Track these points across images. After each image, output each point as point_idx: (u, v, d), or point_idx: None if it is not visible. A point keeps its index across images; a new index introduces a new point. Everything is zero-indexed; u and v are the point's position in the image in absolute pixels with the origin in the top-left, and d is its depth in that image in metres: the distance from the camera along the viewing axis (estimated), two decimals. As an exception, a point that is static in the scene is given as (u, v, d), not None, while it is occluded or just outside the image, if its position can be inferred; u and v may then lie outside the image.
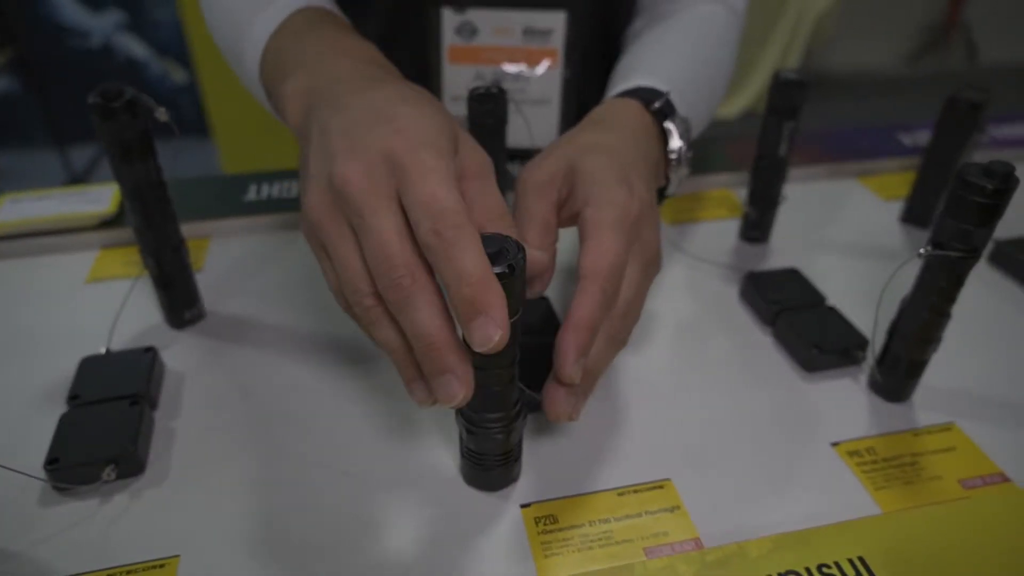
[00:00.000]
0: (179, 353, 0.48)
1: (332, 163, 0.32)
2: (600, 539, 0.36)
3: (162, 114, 0.44)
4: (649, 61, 0.53)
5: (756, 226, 0.59)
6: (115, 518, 0.37)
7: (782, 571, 0.34)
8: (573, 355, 0.34)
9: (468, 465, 0.39)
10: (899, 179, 0.69)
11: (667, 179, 0.45)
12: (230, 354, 0.48)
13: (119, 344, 0.48)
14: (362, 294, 0.32)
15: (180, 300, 0.49)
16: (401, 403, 0.44)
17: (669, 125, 0.45)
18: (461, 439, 0.38)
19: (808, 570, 0.34)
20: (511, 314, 0.31)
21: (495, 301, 0.29)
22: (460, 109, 0.65)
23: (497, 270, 0.30)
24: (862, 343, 0.47)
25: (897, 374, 0.44)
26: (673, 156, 0.44)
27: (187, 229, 0.59)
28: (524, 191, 0.39)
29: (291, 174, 0.67)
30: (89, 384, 0.43)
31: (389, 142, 0.31)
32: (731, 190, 0.68)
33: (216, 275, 0.56)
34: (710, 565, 0.34)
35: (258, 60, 0.46)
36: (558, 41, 0.62)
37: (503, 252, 0.30)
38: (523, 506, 0.38)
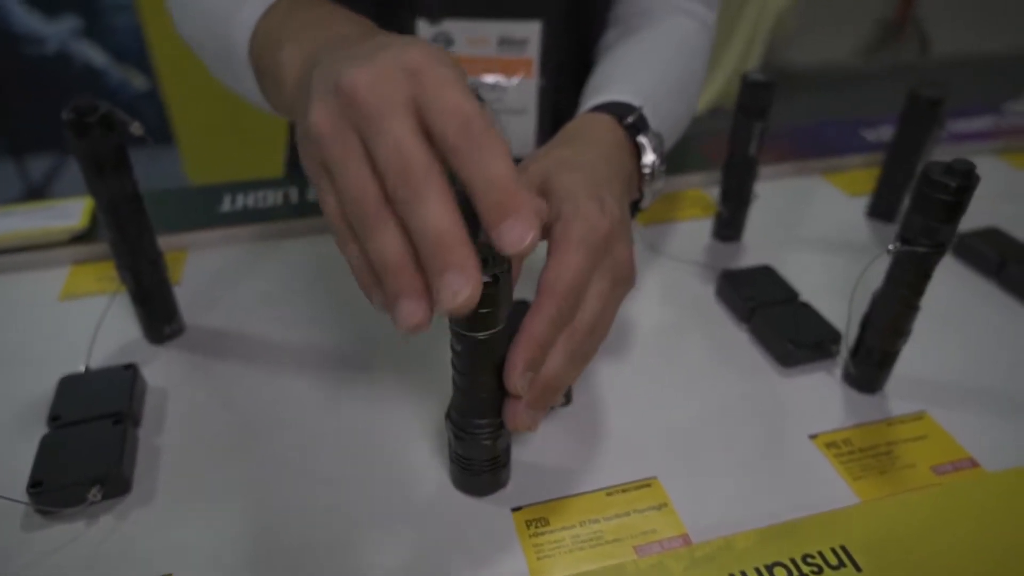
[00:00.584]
0: (160, 369, 0.48)
1: (339, 75, 0.29)
2: (591, 539, 0.37)
3: (137, 128, 0.43)
4: (622, 75, 0.53)
5: (729, 224, 0.60)
6: (102, 540, 0.37)
7: (768, 563, 0.35)
8: (520, 368, 0.33)
9: (457, 470, 0.39)
10: (864, 175, 0.71)
11: (640, 193, 0.46)
12: (212, 368, 0.48)
13: (98, 362, 0.48)
14: (368, 196, 0.29)
15: (159, 315, 0.49)
16: (389, 412, 0.44)
17: (642, 140, 0.45)
18: (450, 444, 0.38)
19: (793, 561, 0.35)
20: (496, 323, 0.32)
21: (525, 202, 0.28)
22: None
23: (484, 278, 0.30)
24: (835, 337, 0.48)
25: (870, 366, 0.45)
26: (647, 171, 0.45)
27: (163, 242, 0.58)
28: None
29: (265, 183, 0.67)
30: (69, 404, 0.42)
31: (405, 55, 0.29)
32: (704, 190, 0.69)
33: (194, 288, 0.55)
34: (699, 561, 0.35)
35: (247, 42, 0.44)
36: (533, 51, 0.62)
37: (487, 261, 0.31)
38: (514, 509, 0.39)
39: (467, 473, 0.38)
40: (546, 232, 0.38)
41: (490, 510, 0.39)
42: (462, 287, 0.28)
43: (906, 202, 0.63)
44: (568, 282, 0.34)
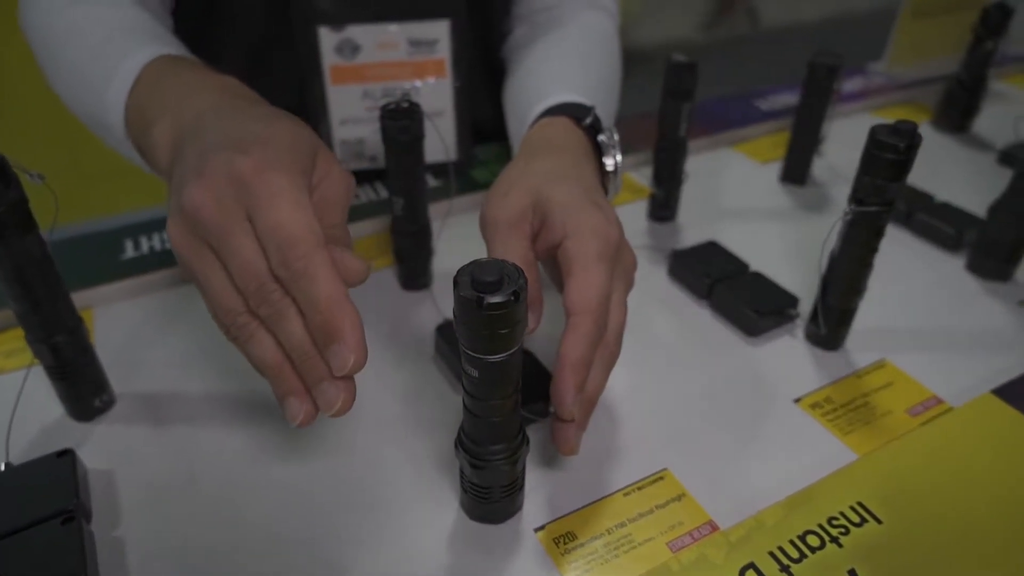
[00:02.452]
0: (98, 449, 0.41)
1: (183, 190, 0.31)
2: (623, 544, 0.36)
3: (35, 178, 0.37)
4: (560, 75, 0.54)
5: (665, 205, 0.61)
6: (83, 661, 0.32)
7: (800, 533, 0.36)
8: (572, 395, 0.34)
9: (472, 500, 0.37)
10: (769, 142, 0.75)
11: (605, 190, 0.46)
12: (158, 437, 0.42)
13: (19, 453, 0.41)
14: (235, 313, 0.32)
15: (86, 387, 0.42)
16: (375, 451, 0.41)
17: (603, 139, 0.46)
18: (463, 474, 0.36)
19: (821, 526, 0.36)
20: (513, 343, 0.30)
21: (346, 326, 0.30)
22: (351, 132, 0.62)
23: (500, 298, 0.28)
24: (793, 301, 0.50)
25: (831, 324, 0.47)
26: (610, 169, 0.46)
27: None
28: (496, 230, 0.38)
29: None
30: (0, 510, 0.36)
31: (236, 164, 0.31)
32: (630, 173, 0.70)
33: (113, 350, 0.49)
34: (736, 544, 0.35)
35: (122, 122, 0.44)
36: (444, 51, 0.60)
37: (504, 279, 0.29)
38: (537, 529, 0.37)
39: (484, 502, 0.36)
40: (551, 250, 0.38)
41: (513, 535, 0.37)
42: (334, 397, 0.31)
43: (815, 164, 0.67)
44: (598, 299, 0.34)
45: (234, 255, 0.30)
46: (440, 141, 0.62)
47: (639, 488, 0.39)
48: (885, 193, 0.41)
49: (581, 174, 0.42)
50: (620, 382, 0.46)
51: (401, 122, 0.46)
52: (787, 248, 0.58)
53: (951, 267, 0.57)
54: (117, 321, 0.51)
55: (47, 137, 1.58)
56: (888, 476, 0.39)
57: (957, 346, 0.49)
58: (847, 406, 0.44)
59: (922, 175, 0.65)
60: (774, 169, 0.70)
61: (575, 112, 0.47)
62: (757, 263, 0.54)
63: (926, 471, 0.39)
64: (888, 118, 0.79)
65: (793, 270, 0.55)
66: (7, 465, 0.39)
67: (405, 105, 0.46)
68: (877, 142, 0.40)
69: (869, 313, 0.51)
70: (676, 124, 0.56)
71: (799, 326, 0.50)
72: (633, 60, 0.55)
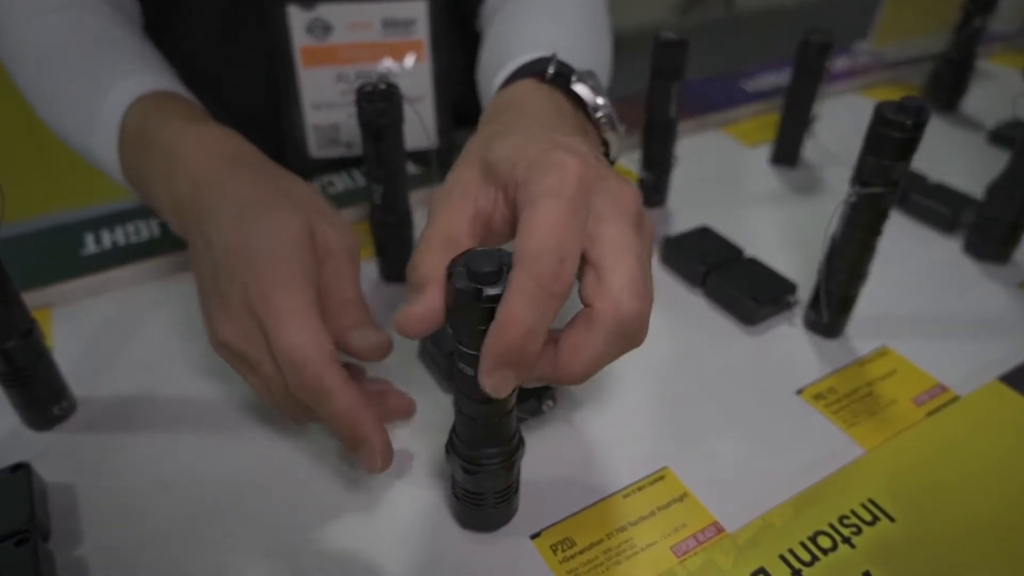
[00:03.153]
0: (56, 461, 0.38)
1: (214, 324, 0.35)
2: (625, 550, 0.34)
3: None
4: (528, 35, 0.49)
5: (655, 190, 0.59)
6: None
7: (810, 534, 0.34)
8: (489, 362, 0.26)
9: (464, 507, 0.34)
10: (755, 123, 0.73)
11: (605, 143, 0.40)
12: (122, 446, 0.39)
13: (-32, 469, 0.38)
14: (281, 408, 0.37)
15: (43, 395, 0.39)
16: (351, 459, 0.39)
17: (577, 87, 0.38)
18: (455, 481, 0.34)
19: (832, 526, 0.34)
20: None
21: (368, 433, 0.33)
22: (325, 118, 0.59)
23: (499, 290, 0.26)
24: (791, 287, 0.48)
25: (832, 310, 0.46)
26: (599, 114, 0.38)
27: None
28: (434, 206, 0.31)
29: (134, 213, 0.57)
30: (-52, 533, 0.33)
31: (246, 294, 0.34)
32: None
33: (72, 353, 0.45)
34: (744, 547, 0.33)
35: (119, 169, 0.45)
36: (422, 31, 0.57)
37: (503, 269, 0.26)
38: (533, 536, 0.35)
39: (477, 509, 0.34)
40: (508, 210, 0.31)
41: (507, 544, 0.35)
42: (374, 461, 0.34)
43: (806, 145, 0.65)
44: (541, 243, 0.26)
45: (264, 378, 0.35)
46: (421, 126, 0.59)
47: (639, 489, 0.37)
48: (890, 174, 0.39)
49: (538, 125, 0.35)
50: (612, 379, 0.44)
51: (378, 105, 0.43)
52: (782, 232, 0.57)
53: (947, 249, 0.55)
54: (77, 321, 0.48)
55: (1, 127, 1.52)
56: (898, 471, 0.37)
57: (958, 331, 0.47)
58: (850, 396, 0.42)
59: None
60: (763, 151, 0.68)
61: (533, 68, 0.40)
62: (752, 248, 0.52)
63: (937, 464, 0.37)
64: (876, 98, 0.78)
65: (789, 255, 0.54)
66: (-44, 482, 0.36)
67: (383, 87, 0.44)
68: (884, 120, 0.38)
69: (867, 298, 0.49)
70: (665, 105, 0.54)
71: (797, 314, 0.49)
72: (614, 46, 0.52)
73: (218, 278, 0.35)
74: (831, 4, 3.03)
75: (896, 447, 0.38)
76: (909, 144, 0.38)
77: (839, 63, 0.84)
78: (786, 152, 0.65)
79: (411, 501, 0.36)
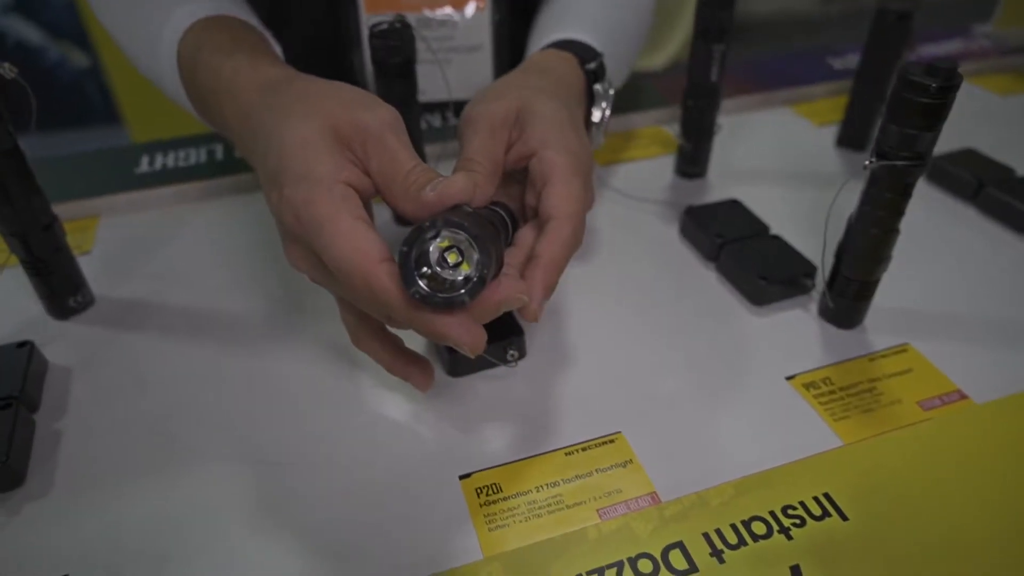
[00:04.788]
0: (64, 346, 0.42)
1: (285, 250, 0.35)
2: (549, 504, 0.33)
3: (7, 70, 0.38)
4: (581, 14, 0.51)
5: (692, 160, 0.56)
6: (-11, 540, 0.32)
7: (745, 518, 0.31)
8: (541, 297, 0.32)
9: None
10: (831, 104, 0.67)
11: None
12: (124, 343, 0.43)
13: (-9, 342, 0.42)
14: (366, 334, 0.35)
15: (61, 286, 0.43)
16: (320, 379, 0.40)
17: (598, 88, 0.44)
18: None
19: (772, 514, 0.31)
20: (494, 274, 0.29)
21: (437, 326, 0.29)
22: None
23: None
24: (810, 271, 0.44)
25: (847, 298, 0.42)
26: (596, 120, 0.44)
27: (72, 208, 0.53)
28: (476, 129, 0.36)
29: (188, 141, 0.61)
30: (-49, 390, 0.37)
31: (286, 218, 0.32)
32: (664, 126, 0.64)
33: (106, 257, 0.50)
34: (669, 520, 0.31)
35: (184, 94, 0.44)
36: (483, -22, 0.57)
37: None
38: (462, 477, 0.35)
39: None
40: (521, 160, 0.37)
41: (433, 482, 0.34)
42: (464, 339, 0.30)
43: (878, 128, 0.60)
44: (577, 209, 0.34)
45: (337, 298, 0.35)
46: (441, 78, 0.58)
47: (584, 449, 0.36)
48: (915, 144, 0.35)
49: (568, 102, 0.40)
50: (597, 338, 0.42)
51: (390, 42, 0.44)
52: (822, 215, 0.52)
53: (1021, 252, 0.49)
54: (117, 231, 0.52)
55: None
56: (871, 469, 0.33)
57: (1002, 339, 0.42)
58: (847, 390, 0.39)
59: (1006, 146, 0.56)
60: (831, 132, 0.62)
61: (582, 53, 0.45)
62: (783, 228, 0.48)
63: (922, 469, 0.33)
64: (990, 88, 0.70)
65: (823, 240, 0.49)
66: (-28, 347, 0.40)
67: (398, 25, 0.44)
68: (907, 82, 0.34)
69: (902, 292, 0.44)
70: (707, 69, 0.51)
71: (815, 299, 0.45)
72: (745, 30, 0.51)
73: (271, 206, 0.34)
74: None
75: (878, 445, 0.35)
76: (936, 111, 0.34)
77: (950, 45, 0.75)
78: (853, 134, 0.60)
79: (348, 431, 0.37)
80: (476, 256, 0.28)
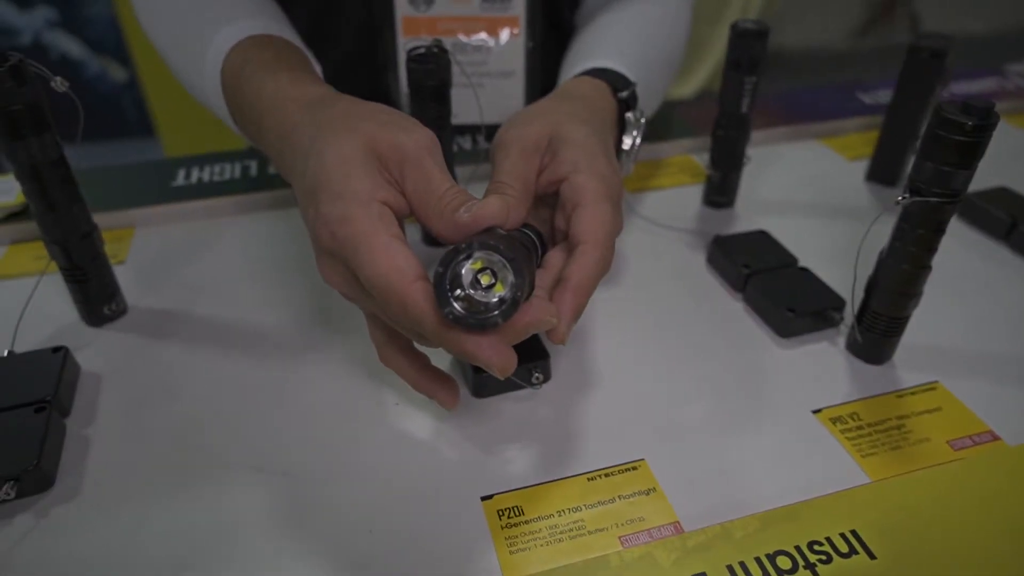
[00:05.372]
0: (97, 353, 0.43)
1: (319, 269, 0.34)
2: (571, 529, 0.33)
3: (59, 84, 0.39)
4: (614, 43, 0.52)
5: (720, 190, 0.56)
6: (17, 541, 0.33)
7: (770, 552, 0.31)
8: (570, 320, 0.33)
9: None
10: (862, 138, 0.67)
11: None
12: (155, 352, 0.43)
13: (29, 345, 0.43)
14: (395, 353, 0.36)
15: (96, 294, 0.44)
16: (346, 394, 0.40)
17: (629, 116, 0.45)
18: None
19: (798, 548, 0.31)
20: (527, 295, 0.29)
21: (469, 347, 0.29)
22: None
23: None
24: (838, 304, 0.44)
25: (877, 333, 0.41)
26: (626, 148, 0.45)
27: (108, 219, 0.54)
28: (508, 152, 0.37)
29: (223, 156, 0.62)
30: (-12, 392, 0.38)
31: (322, 236, 0.32)
32: (692, 155, 0.65)
33: (140, 267, 0.51)
34: (692, 551, 0.31)
35: (227, 112, 0.45)
36: (519, 8, 0.58)
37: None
38: (484, 498, 0.35)
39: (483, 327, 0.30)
40: (551, 184, 0.38)
41: (456, 501, 0.34)
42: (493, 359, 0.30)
43: (909, 164, 0.60)
44: (609, 235, 0.35)
45: (369, 316, 0.35)
46: (475, 100, 0.59)
47: (607, 475, 0.36)
48: (949, 181, 0.35)
49: (600, 128, 0.41)
50: (623, 365, 0.42)
51: (427, 66, 0.44)
52: (850, 249, 0.51)
53: (1055, 293, 0.48)
54: (152, 242, 0.54)
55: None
56: (900, 508, 0.33)
57: (1035, 380, 0.41)
58: (876, 426, 0.38)
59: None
60: (862, 167, 0.62)
61: (615, 81, 0.46)
62: (811, 260, 0.48)
63: (952, 510, 0.33)
64: (1021, 126, 0.69)
65: (853, 273, 0.49)
66: (9, 352, 0.41)
67: (435, 50, 0.45)
68: (942, 120, 0.34)
69: (933, 329, 0.44)
70: (738, 99, 0.51)
71: (843, 333, 0.44)
72: (775, 62, 0.53)
73: (306, 222, 0.35)
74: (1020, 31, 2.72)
75: (907, 483, 0.34)
76: (971, 149, 0.34)
77: (983, 84, 0.75)
78: (884, 169, 0.60)
79: (372, 447, 0.37)
80: (511, 278, 0.28)
